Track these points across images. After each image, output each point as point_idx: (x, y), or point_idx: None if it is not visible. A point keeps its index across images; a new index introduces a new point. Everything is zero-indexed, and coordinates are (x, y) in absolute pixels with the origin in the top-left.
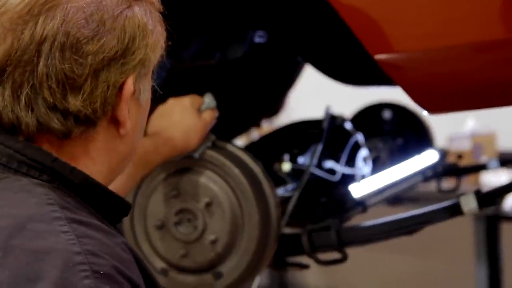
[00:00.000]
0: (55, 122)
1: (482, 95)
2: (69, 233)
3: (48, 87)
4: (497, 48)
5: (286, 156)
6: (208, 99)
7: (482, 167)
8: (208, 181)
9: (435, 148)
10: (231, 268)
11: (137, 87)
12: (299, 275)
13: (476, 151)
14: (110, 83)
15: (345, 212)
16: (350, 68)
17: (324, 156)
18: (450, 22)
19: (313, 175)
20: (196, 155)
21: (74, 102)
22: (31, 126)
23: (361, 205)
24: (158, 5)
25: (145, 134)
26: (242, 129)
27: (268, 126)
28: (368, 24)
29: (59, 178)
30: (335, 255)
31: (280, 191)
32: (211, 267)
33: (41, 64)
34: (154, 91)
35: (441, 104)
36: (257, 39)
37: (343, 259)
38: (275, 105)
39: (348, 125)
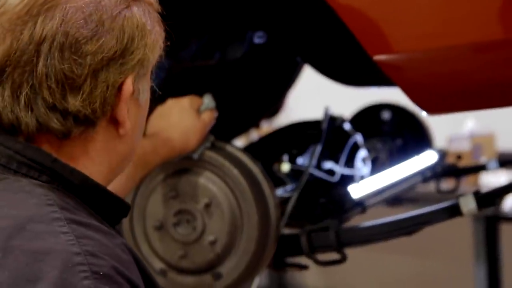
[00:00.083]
0: (55, 122)
1: (482, 95)
2: (68, 234)
3: (48, 87)
4: (496, 49)
5: (285, 157)
6: (207, 100)
7: (481, 168)
8: (207, 181)
9: (434, 149)
10: (230, 268)
11: (136, 87)
12: (298, 275)
13: (475, 152)
14: (109, 83)
15: (344, 212)
16: (349, 68)
17: (323, 156)
18: (449, 22)
19: (312, 175)
20: (195, 156)
21: (74, 102)
22: (31, 126)
23: (360, 205)
24: (156, 5)
25: (144, 134)
26: (241, 130)
27: (267, 126)
28: (367, 24)
29: (58, 179)
30: (334, 255)
31: (279, 192)
32: (210, 267)
33: (40, 64)
34: (153, 92)
35: (440, 104)
36: (257, 40)
37: (342, 259)
38: (274, 106)
39: (347, 126)
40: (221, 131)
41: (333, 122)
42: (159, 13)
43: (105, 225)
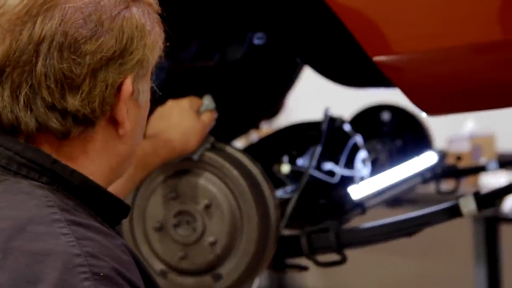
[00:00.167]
0: (54, 122)
1: (481, 96)
2: (68, 235)
3: (47, 86)
4: (496, 50)
5: (285, 158)
6: (207, 101)
7: (481, 169)
8: (207, 183)
9: (434, 150)
10: (230, 270)
11: (135, 87)
12: (298, 276)
13: (475, 153)
14: (109, 83)
15: (344, 214)
16: (348, 69)
17: (323, 158)
18: (449, 23)
19: (312, 177)
20: (195, 157)
21: (73, 102)
22: (30, 126)
23: (360, 206)
24: (156, 6)
25: (144, 135)
26: (241, 131)
27: (267, 127)
28: (366, 25)
29: (58, 180)
30: (334, 257)
31: (279, 193)
32: (210, 269)
33: (39, 64)
34: (153, 93)
35: (440, 105)
36: (256, 41)
37: (342, 261)
38: (274, 107)
39: (347, 127)
40: (221, 132)
41: (333, 123)
42: (159, 14)
43: (105, 226)
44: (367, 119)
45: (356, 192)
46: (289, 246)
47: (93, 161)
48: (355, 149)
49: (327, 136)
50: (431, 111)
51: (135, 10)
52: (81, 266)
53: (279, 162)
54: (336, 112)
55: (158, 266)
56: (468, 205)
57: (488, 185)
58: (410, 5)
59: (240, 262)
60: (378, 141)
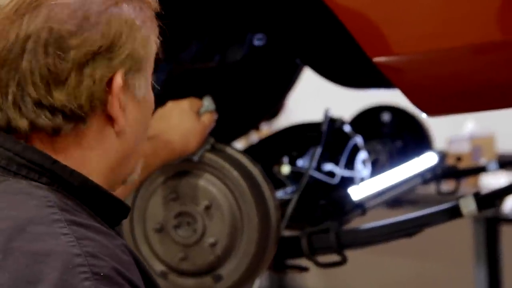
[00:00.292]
0: (43, 119)
1: (481, 97)
2: (69, 235)
3: (32, 83)
4: (496, 50)
5: (285, 159)
6: (207, 102)
7: (481, 169)
8: (207, 184)
9: (434, 151)
10: (230, 270)
11: (131, 83)
12: (299, 277)
13: (475, 153)
14: (96, 77)
15: (344, 214)
16: (348, 70)
17: (323, 158)
18: (449, 24)
19: (312, 177)
20: (195, 158)
21: (59, 97)
22: (22, 124)
23: (360, 207)
24: (154, 4)
25: None
26: (241, 132)
27: (267, 128)
28: (366, 26)
29: (58, 180)
30: (335, 257)
31: (280, 194)
32: (211, 270)
33: (24, 60)
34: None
35: (440, 106)
36: (256, 42)
37: (343, 261)
38: (274, 108)
39: (347, 128)
40: (221, 133)
41: (333, 124)
42: (159, 13)
43: (105, 227)
44: (367, 120)
45: (356, 192)
46: (289, 247)
47: (89, 158)
48: (355, 150)
49: (327, 137)
50: (431, 112)
51: (125, 6)
52: (81, 266)
53: (279, 163)
54: (336, 113)
55: (158, 267)
56: (468, 206)
57: (488, 185)
58: (410, 6)
59: (241, 263)
60: (378, 142)
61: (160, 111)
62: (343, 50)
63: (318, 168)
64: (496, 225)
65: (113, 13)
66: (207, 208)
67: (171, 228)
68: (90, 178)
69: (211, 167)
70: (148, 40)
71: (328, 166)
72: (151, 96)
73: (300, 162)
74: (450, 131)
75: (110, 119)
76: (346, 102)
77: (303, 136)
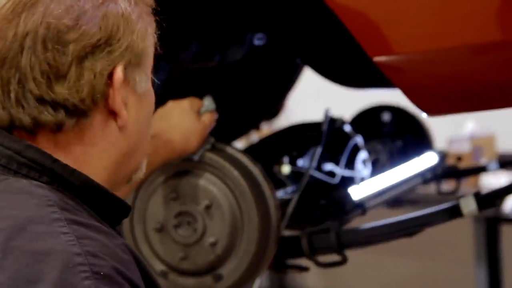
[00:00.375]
0: (46, 114)
1: (482, 97)
2: (69, 235)
3: (33, 78)
4: (496, 50)
5: (286, 159)
6: (208, 102)
7: (481, 169)
8: (208, 183)
9: (434, 150)
10: (231, 270)
11: (131, 77)
12: (299, 277)
13: (475, 153)
14: (96, 71)
15: (344, 214)
16: (349, 70)
17: (323, 158)
18: (449, 24)
19: (312, 177)
20: (196, 157)
21: (61, 91)
22: (24, 121)
23: (361, 207)
24: (149, 0)
25: None
26: (242, 132)
27: (267, 128)
28: (366, 26)
29: (59, 179)
30: (335, 257)
31: (280, 194)
32: (211, 269)
33: (24, 57)
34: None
35: (440, 106)
36: (256, 42)
37: (343, 261)
38: (275, 108)
39: (347, 128)
40: (221, 133)
41: (333, 124)
42: (155, 10)
43: (106, 226)
44: (367, 120)
45: (356, 192)
46: (289, 246)
47: (91, 155)
48: (356, 149)
49: (328, 136)
50: (431, 112)
51: (120, 1)
52: (82, 265)
53: (280, 162)
54: (336, 112)
55: (158, 266)
56: (469, 206)
57: (488, 185)
58: (410, 6)
59: (241, 262)
60: (379, 141)
61: (161, 110)
62: (343, 50)
63: (319, 168)
64: (497, 225)
65: (109, 7)
66: (208, 207)
67: (171, 228)
68: (93, 175)
69: (211, 167)
70: (145, 33)
71: (329, 166)
72: (151, 93)
73: (301, 162)
74: (450, 131)
75: (112, 114)
76: (346, 102)
77: (304, 136)
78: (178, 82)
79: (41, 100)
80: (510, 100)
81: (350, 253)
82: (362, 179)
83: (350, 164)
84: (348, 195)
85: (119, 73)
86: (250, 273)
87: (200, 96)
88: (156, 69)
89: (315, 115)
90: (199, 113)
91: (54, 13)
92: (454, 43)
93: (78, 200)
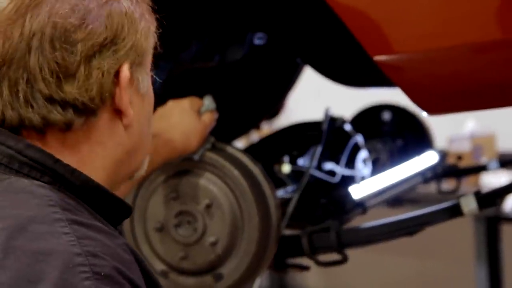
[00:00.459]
0: (55, 114)
1: (482, 95)
2: (70, 235)
3: (42, 78)
4: (496, 49)
5: (286, 158)
6: (208, 101)
7: (482, 168)
8: (208, 183)
9: (434, 149)
10: (231, 269)
11: (134, 76)
12: (299, 276)
13: (476, 152)
14: (104, 69)
15: (345, 213)
16: (349, 69)
17: (323, 157)
18: (450, 23)
19: (313, 176)
20: (196, 157)
21: (70, 91)
22: (34, 121)
23: (361, 206)
24: None
25: None
26: (242, 131)
27: (267, 128)
28: (367, 25)
29: (60, 179)
30: (335, 256)
31: (280, 193)
32: (211, 269)
33: (32, 57)
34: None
35: (440, 105)
36: (257, 41)
37: (343, 260)
38: (275, 107)
39: (347, 127)
40: (222, 133)
41: (333, 123)
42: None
43: (107, 226)
44: (367, 119)
45: (357, 191)
46: (290, 246)
47: (97, 154)
48: (356, 148)
49: (328, 136)
50: (431, 111)
51: (122, 0)
52: (82, 266)
53: (280, 162)
54: (336, 112)
55: (159, 266)
56: (469, 205)
57: (489, 184)
58: (410, 5)
59: (241, 262)
60: (379, 140)
61: (161, 110)
62: (343, 49)
63: (319, 167)
64: (497, 224)
65: (112, 6)
66: (208, 207)
67: (172, 227)
68: (93, 175)
69: (211, 166)
70: (148, 32)
71: (329, 165)
72: (151, 92)
73: (301, 161)
74: (450, 130)
75: (117, 113)
76: (346, 101)
77: (304, 135)
78: (178, 81)
79: (50, 100)
80: (510, 99)
81: (350, 252)
82: (363, 178)
83: (350, 163)
84: (348, 194)
85: (125, 71)
86: (250, 273)
87: (200, 96)
88: (156, 68)
89: (315, 114)
90: (199, 113)
91: (60, 12)
92: (454, 42)
93: (79, 200)
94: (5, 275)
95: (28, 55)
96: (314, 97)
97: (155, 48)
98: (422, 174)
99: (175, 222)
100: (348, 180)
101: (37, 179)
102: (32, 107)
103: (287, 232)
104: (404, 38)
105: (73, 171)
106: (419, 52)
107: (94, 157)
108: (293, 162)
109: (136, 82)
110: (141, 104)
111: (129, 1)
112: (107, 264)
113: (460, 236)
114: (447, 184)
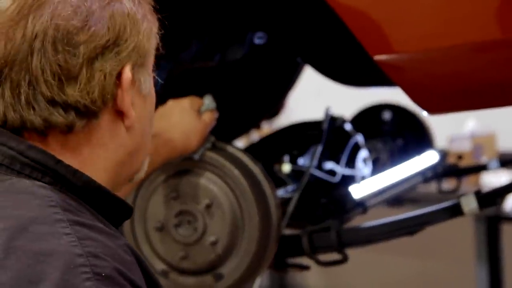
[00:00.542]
0: (57, 116)
1: (482, 95)
2: (71, 235)
3: (44, 81)
4: (497, 48)
5: (286, 157)
6: (208, 101)
7: (482, 168)
8: (208, 182)
9: (435, 149)
10: (231, 269)
11: (136, 77)
12: (299, 276)
13: (476, 152)
14: (106, 71)
15: (345, 213)
16: (349, 69)
17: (324, 157)
18: (450, 22)
19: (313, 176)
20: (196, 156)
21: (72, 93)
22: (35, 123)
23: (361, 206)
24: None
25: None
26: (242, 131)
27: (268, 127)
28: (367, 24)
29: (61, 180)
30: (335, 256)
31: (280, 192)
32: (212, 268)
33: (34, 60)
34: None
35: (441, 104)
36: (257, 41)
37: (344, 260)
38: (275, 107)
39: (348, 126)
40: (222, 132)
41: (333, 122)
42: (155, 9)
43: (108, 227)
44: (368, 118)
45: (357, 191)
46: (290, 245)
47: (98, 156)
48: (356, 148)
49: (328, 135)
50: (432, 110)
51: (125, 1)
52: (83, 266)
53: (280, 161)
54: (337, 111)
55: (159, 266)
56: (470, 204)
57: (489, 184)
58: (411, 4)
59: (241, 261)
60: (379, 140)
61: (161, 109)
62: (344, 49)
63: (319, 167)
64: (497, 224)
65: (115, 7)
66: (208, 206)
67: (172, 227)
68: (97, 175)
69: (212, 166)
70: (151, 33)
71: (329, 165)
72: (153, 92)
73: (301, 161)
74: (451, 129)
75: (119, 115)
76: (347, 101)
77: (304, 135)
78: (178, 81)
79: (52, 102)
80: (511, 98)
81: (350, 252)
82: (363, 178)
83: (350, 163)
84: (348, 194)
85: (127, 73)
86: (250, 272)
87: (201, 95)
88: (156, 68)
89: (315, 114)
90: (199, 112)
91: (62, 14)
92: (455, 41)
93: (81, 201)
94: (6, 276)
95: (31, 57)
96: (314, 96)
97: (157, 49)
98: (422, 173)
99: (175, 221)
100: (349, 180)
101: (39, 180)
102: (33, 109)
103: (288, 231)
104: (405, 37)
105: (75, 172)
106: (420, 52)
107: (96, 159)
108: (293, 161)
109: (138, 83)
110: (143, 105)
111: (132, 2)
112: (108, 265)
113: (461, 236)
114: (448, 184)
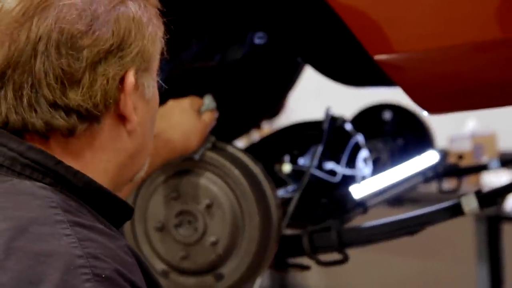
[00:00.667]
0: (58, 119)
1: (483, 95)
2: (71, 236)
3: (47, 84)
4: (497, 48)
5: (287, 157)
6: (208, 101)
7: (482, 168)
8: (208, 182)
9: (435, 149)
10: (232, 269)
11: (140, 82)
12: (300, 276)
13: (476, 152)
14: (109, 76)
15: (345, 213)
16: (350, 69)
17: (324, 157)
18: (450, 22)
19: (313, 176)
20: (196, 156)
21: (74, 97)
22: (37, 125)
23: (362, 206)
24: (155, 2)
25: None
26: (242, 131)
27: (268, 127)
28: (367, 24)
29: (62, 181)
30: (336, 256)
31: (281, 192)
32: (212, 268)
33: (38, 62)
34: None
35: (441, 104)
36: (257, 40)
37: (344, 260)
38: (275, 107)
39: (348, 126)
40: (222, 132)
41: (334, 122)
42: (160, 11)
43: (109, 227)
44: (368, 118)
45: (357, 191)
46: (290, 245)
47: (100, 159)
48: (357, 148)
49: (329, 135)
50: (432, 110)
51: (130, 4)
52: (83, 268)
53: (281, 161)
54: (337, 111)
55: (159, 266)
56: (470, 204)
57: (490, 184)
58: (411, 4)
59: (242, 261)
60: (380, 140)
61: (161, 109)
62: (344, 48)
63: (319, 167)
64: (498, 223)
65: (120, 11)
66: (208, 206)
67: (172, 227)
68: (97, 177)
69: (212, 166)
70: (155, 38)
71: (330, 165)
72: (157, 96)
73: (301, 161)
74: (451, 129)
75: (121, 119)
76: (347, 101)
77: (304, 135)
78: (178, 81)
79: (54, 105)
80: (511, 98)
81: (351, 252)
82: (363, 178)
83: (351, 163)
84: (349, 194)
85: (131, 78)
86: (251, 272)
87: (201, 95)
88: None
89: (316, 114)
90: (199, 112)
91: (67, 17)
92: (455, 41)
93: (81, 202)
94: (6, 276)
95: (34, 60)
96: (314, 96)
97: (161, 53)
98: (423, 173)
99: (175, 222)
100: (349, 180)
101: (39, 181)
102: (35, 111)
103: (288, 231)
104: (405, 37)
105: (76, 172)
106: (420, 52)
107: (97, 161)
108: (293, 161)
109: (142, 88)
110: (146, 110)
111: (137, 5)
112: (108, 267)
113: (461, 236)
114: (448, 184)
